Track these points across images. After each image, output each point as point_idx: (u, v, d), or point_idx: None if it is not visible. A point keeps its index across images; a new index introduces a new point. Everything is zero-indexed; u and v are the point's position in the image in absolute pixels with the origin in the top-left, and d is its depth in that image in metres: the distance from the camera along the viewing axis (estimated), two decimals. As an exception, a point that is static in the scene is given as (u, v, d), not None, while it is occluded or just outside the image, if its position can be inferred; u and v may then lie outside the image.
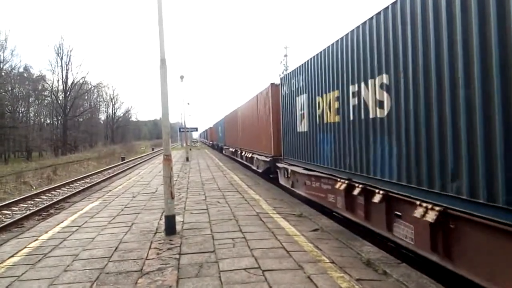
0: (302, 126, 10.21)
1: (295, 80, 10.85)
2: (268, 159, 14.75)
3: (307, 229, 7.08)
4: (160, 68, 7.08)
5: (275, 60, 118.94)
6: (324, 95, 8.52)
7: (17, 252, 6.17)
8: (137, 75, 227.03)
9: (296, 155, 10.88)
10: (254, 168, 18.71)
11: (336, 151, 7.83)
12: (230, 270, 4.85)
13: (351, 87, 7.10)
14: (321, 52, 8.67)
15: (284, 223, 7.52)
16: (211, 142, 61.76)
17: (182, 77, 30.31)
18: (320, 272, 4.74)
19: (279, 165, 13.02)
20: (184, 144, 38.68)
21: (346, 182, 7.21)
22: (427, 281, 4.62)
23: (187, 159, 28.21)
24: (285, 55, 61.67)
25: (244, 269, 4.89)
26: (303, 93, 10.09)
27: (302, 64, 10.11)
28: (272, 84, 14.48)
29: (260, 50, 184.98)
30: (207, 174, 17.69)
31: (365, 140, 6.55)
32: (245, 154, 21.31)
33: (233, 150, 28.28)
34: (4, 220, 11.94)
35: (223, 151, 37.69)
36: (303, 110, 10.08)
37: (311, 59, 9.34)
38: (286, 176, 12.05)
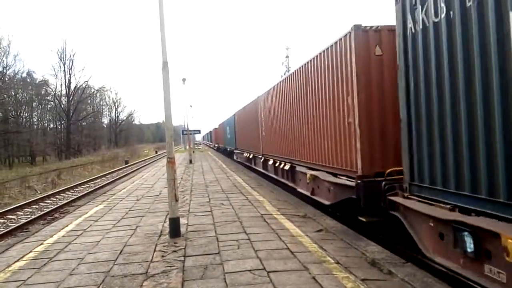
0: None
1: None
2: (350, 183, 7.29)
3: (312, 229, 7.08)
4: (163, 71, 7.11)
5: (277, 61, 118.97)
6: None
7: (22, 257, 6.20)
8: (140, 78, 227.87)
9: None
10: (303, 191, 10.64)
11: None
12: (235, 272, 4.86)
13: None
14: None
15: (288, 224, 7.51)
16: (216, 145, 60.08)
17: (184, 80, 30.39)
18: (325, 273, 4.74)
19: (418, 208, 5.08)
20: (187, 147, 38.66)
21: None
22: (432, 280, 4.60)
23: (190, 162, 28.23)
24: (287, 56, 61.98)
25: (249, 270, 4.90)
26: None
27: None
28: (357, 28, 6.99)
29: (262, 51, 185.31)
30: (210, 176, 17.70)
31: None
32: (280, 165, 13.58)
33: (250, 156, 21.49)
34: (10, 224, 11.98)
35: (235, 157, 29.96)
36: None
37: None
38: (480, 256, 3.94)
